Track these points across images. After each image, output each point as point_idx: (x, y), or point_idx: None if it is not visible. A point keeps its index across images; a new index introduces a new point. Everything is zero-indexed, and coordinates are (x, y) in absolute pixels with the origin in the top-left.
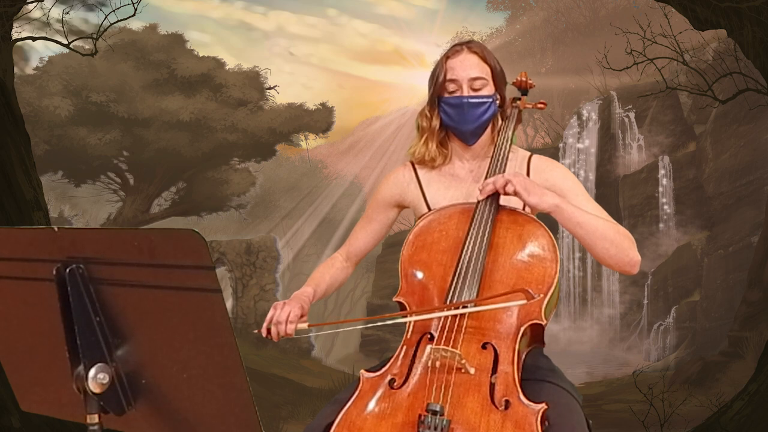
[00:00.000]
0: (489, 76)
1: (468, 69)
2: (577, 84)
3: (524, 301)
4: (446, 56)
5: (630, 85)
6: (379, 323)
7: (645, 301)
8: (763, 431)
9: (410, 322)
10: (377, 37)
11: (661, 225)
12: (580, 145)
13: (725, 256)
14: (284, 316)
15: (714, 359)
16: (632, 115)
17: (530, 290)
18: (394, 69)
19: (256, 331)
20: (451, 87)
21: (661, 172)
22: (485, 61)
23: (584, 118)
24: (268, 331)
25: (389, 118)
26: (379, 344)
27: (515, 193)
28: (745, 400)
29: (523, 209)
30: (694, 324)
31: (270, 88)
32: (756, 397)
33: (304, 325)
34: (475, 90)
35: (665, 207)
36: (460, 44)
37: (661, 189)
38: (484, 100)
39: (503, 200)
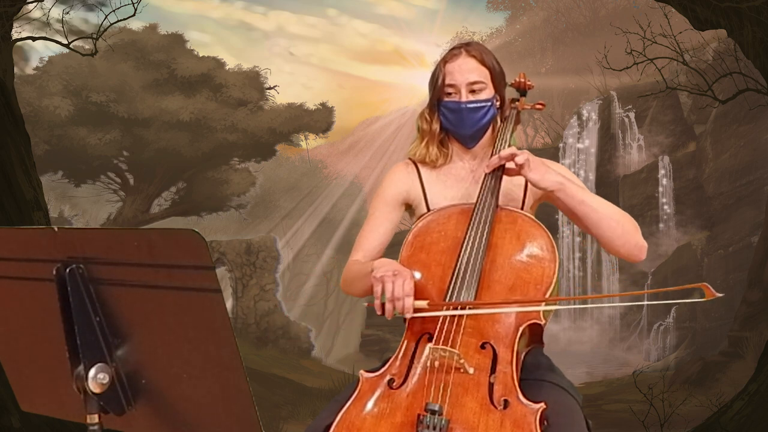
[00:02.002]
0: (488, 79)
1: (466, 73)
2: (577, 84)
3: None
4: (444, 60)
5: (630, 85)
6: (512, 309)
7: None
8: (763, 431)
9: (407, 322)
10: (377, 37)
11: (661, 225)
12: (580, 145)
13: (725, 256)
14: (400, 289)
15: (714, 359)
16: (632, 115)
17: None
18: (394, 69)
19: (366, 304)
20: (449, 91)
21: (661, 172)
22: (483, 63)
23: (584, 118)
24: (382, 307)
25: (389, 118)
26: (379, 344)
27: (519, 167)
28: (745, 400)
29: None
30: (694, 324)
31: (270, 88)
32: (756, 397)
33: (423, 303)
34: (473, 93)
35: (665, 207)
36: (458, 47)
37: (661, 189)
38: (483, 104)
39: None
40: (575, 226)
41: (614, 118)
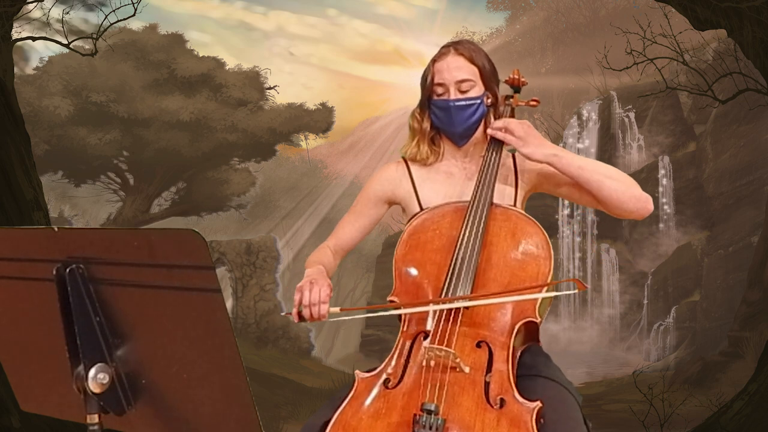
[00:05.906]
0: (477, 77)
1: (454, 71)
2: (577, 84)
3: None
4: (433, 59)
5: (630, 85)
6: (419, 309)
7: (645, 301)
8: (763, 431)
9: (405, 319)
10: (377, 37)
11: (661, 225)
12: (580, 145)
13: (725, 256)
14: (316, 296)
15: (714, 359)
16: (632, 115)
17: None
18: (394, 69)
19: (283, 313)
20: (439, 90)
21: (661, 172)
22: (472, 62)
23: (584, 118)
24: (300, 315)
25: (389, 118)
26: (380, 344)
27: (511, 140)
28: (745, 400)
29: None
30: (694, 324)
31: (270, 88)
32: (756, 397)
33: (336, 309)
34: (462, 92)
35: (665, 207)
36: (447, 46)
37: (661, 189)
38: (472, 102)
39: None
40: (575, 227)
41: (614, 118)
